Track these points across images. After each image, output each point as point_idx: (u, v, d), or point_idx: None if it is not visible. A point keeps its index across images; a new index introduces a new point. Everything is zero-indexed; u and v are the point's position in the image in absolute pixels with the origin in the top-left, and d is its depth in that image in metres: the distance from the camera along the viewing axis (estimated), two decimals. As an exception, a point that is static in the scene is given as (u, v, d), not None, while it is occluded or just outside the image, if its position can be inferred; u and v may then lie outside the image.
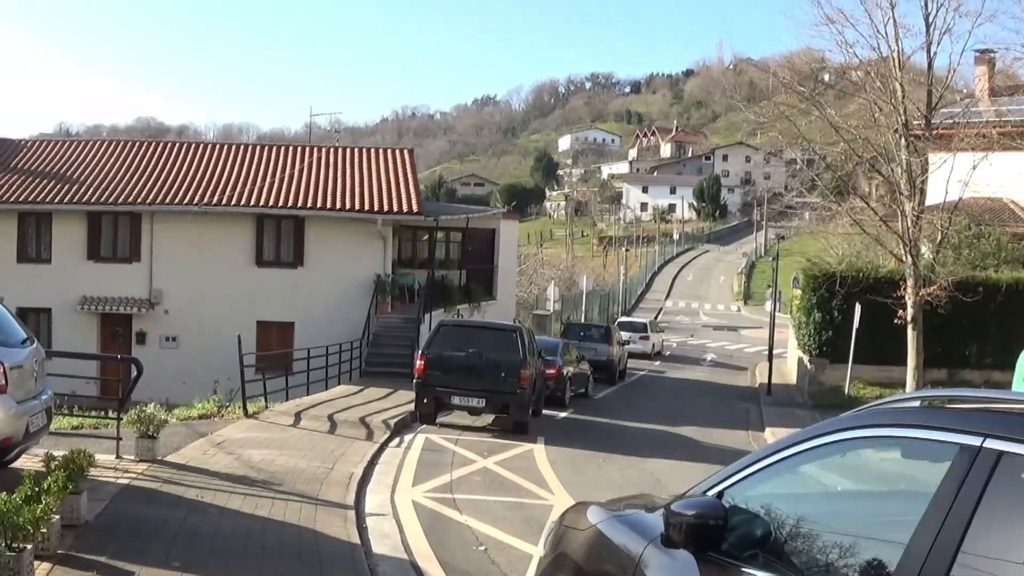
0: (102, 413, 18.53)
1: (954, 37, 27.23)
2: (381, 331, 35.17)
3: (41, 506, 8.43)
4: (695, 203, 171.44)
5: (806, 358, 37.44)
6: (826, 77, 33.15)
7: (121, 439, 14.81)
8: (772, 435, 27.02)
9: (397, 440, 20.74)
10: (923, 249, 28.12)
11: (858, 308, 32.85)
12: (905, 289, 28.11)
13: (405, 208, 36.97)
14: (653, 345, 57.77)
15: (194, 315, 37.16)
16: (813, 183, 31.42)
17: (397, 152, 42.62)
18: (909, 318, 27.90)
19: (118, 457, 14.64)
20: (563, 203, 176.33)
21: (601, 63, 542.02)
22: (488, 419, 24.73)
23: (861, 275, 33.05)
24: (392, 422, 22.30)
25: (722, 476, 5.27)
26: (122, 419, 14.81)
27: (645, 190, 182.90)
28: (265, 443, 17.91)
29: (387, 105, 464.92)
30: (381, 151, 42.94)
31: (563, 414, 29.00)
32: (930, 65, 27.57)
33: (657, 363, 54.92)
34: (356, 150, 43.19)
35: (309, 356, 28.19)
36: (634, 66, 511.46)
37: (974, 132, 26.86)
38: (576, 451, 21.47)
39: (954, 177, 26.74)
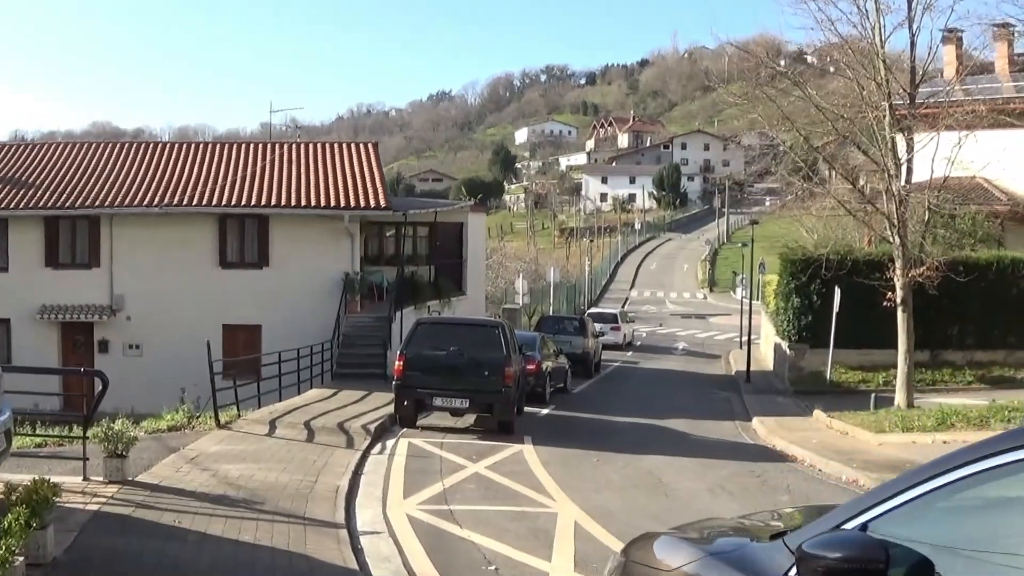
0: (67, 429, 17.28)
1: (935, 14, 26.47)
2: (351, 331, 34.01)
3: (2, 550, 7.29)
4: (655, 192, 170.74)
5: (784, 344, 36.81)
6: (782, 63, 32.01)
7: (88, 459, 13.63)
8: (761, 424, 26.53)
9: (379, 446, 19.66)
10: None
11: (837, 292, 32.29)
12: (893, 271, 27.22)
13: (372, 203, 35.77)
14: (624, 336, 57.23)
15: (157, 321, 35.82)
16: (796, 166, 30.34)
17: (360, 146, 41.37)
18: (899, 300, 27.11)
19: (86, 479, 13.47)
20: (522, 196, 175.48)
21: (556, 55, 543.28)
22: (470, 419, 23.69)
23: (847, 258, 32.25)
24: (372, 427, 21.21)
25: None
26: (88, 437, 13.61)
27: (604, 181, 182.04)
28: (241, 456, 16.75)
29: (342, 103, 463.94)
30: (343, 145, 41.66)
31: (545, 411, 28.15)
32: (912, 42, 26.69)
33: (630, 354, 54.36)
34: (318, 145, 41.89)
35: (280, 360, 26.97)
36: (589, 57, 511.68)
37: (965, 109, 26.03)
38: (567, 450, 20.49)
39: (939, 155, 26.00)
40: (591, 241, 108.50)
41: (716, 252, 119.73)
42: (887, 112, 26.24)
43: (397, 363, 22.37)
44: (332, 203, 35.70)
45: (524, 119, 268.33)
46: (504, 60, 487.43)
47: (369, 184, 37.09)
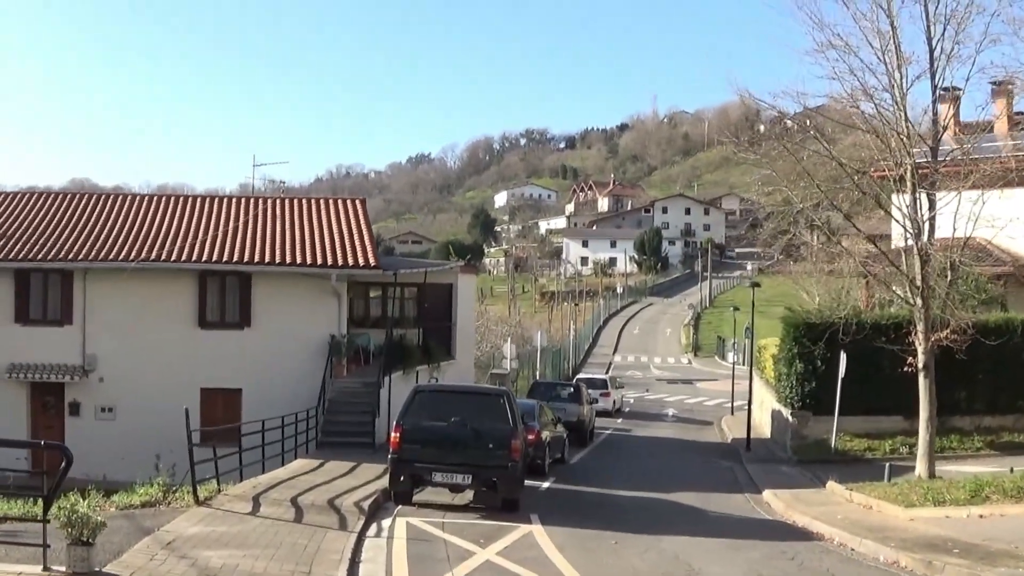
0: (30, 501, 15.36)
1: (957, 63, 25.06)
2: (338, 397, 32.21)
3: None
4: (636, 256, 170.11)
5: (786, 411, 35.50)
6: (761, 128, 30.77)
7: (49, 546, 11.76)
8: (775, 498, 25.14)
9: (374, 527, 17.85)
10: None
11: (843, 357, 31.12)
12: (914, 334, 25.71)
13: (361, 262, 34.04)
14: (614, 402, 55.86)
15: (132, 383, 33.92)
16: (812, 224, 28.87)
17: (348, 203, 39.68)
18: (920, 365, 25.61)
19: (46, 569, 11.65)
20: (502, 259, 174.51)
21: (535, 119, 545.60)
22: (469, 495, 21.81)
23: (852, 322, 30.80)
24: (365, 504, 19.39)
25: None
26: (49, 521, 11.74)
27: (585, 244, 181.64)
28: (224, 540, 14.86)
29: (322, 165, 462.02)
30: (331, 201, 39.97)
31: (545, 484, 26.47)
32: (935, 93, 25.33)
33: (619, 420, 52.98)
34: (304, 201, 40.17)
35: (264, 429, 25.10)
36: (568, 121, 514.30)
37: (993, 167, 24.60)
38: (580, 531, 18.72)
39: (960, 213, 24.66)
40: (576, 305, 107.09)
41: (699, 316, 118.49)
42: (909, 167, 24.82)
43: (393, 434, 20.50)
44: (319, 261, 33.95)
45: (504, 182, 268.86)
46: (484, 123, 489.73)
47: (357, 242, 35.41)
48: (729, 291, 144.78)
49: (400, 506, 20.33)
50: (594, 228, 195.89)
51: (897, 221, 25.53)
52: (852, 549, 18.01)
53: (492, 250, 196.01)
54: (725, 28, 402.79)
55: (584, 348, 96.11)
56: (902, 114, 25.06)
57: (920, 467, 25.66)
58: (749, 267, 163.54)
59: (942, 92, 25.62)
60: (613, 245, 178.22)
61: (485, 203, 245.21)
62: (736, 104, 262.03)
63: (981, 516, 19.74)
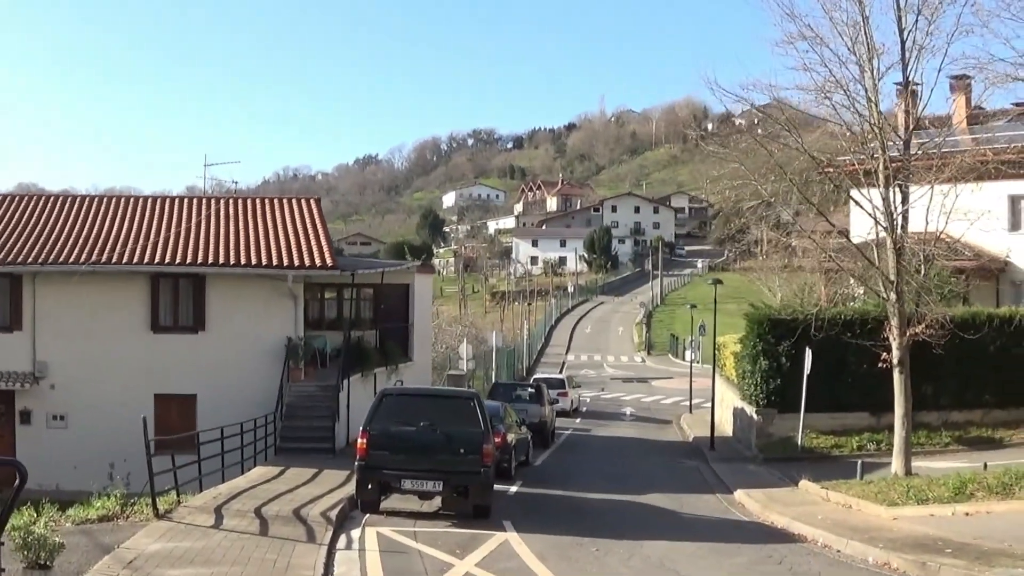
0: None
1: (927, 54, 24.58)
2: (296, 401, 31.27)
3: None
4: (586, 255, 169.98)
5: (750, 409, 35.17)
6: (709, 126, 30.32)
7: (3, 570, 10.79)
8: (748, 498, 24.66)
9: (344, 539, 16.99)
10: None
11: (808, 354, 30.77)
12: (889, 329, 25.19)
13: (318, 262, 33.06)
14: (572, 402, 55.50)
15: (84, 390, 32.74)
16: (776, 220, 28.41)
17: (303, 202, 38.55)
18: (895, 361, 25.15)
19: (-2, 594, 10.65)
20: (452, 260, 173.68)
21: (483, 119, 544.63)
22: (438, 501, 20.95)
23: (841, 317, 30.30)
24: (332, 514, 18.51)
25: None
26: (2, 544, 10.78)
27: (535, 244, 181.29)
28: (187, 557, 13.94)
29: (268, 167, 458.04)
30: (286, 201, 38.83)
31: (514, 488, 25.78)
32: (906, 85, 24.88)
33: (578, 420, 52.59)
34: (258, 200, 39.04)
35: (223, 436, 24.12)
36: (515, 122, 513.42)
37: (970, 158, 24.17)
38: (558, 538, 17.97)
39: (933, 206, 24.23)
40: (529, 304, 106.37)
41: (651, 315, 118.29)
42: (882, 160, 24.33)
43: (360, 440, 19.59)
44: (274, 262, 32.95)
45: (451, 183, 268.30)
46: (431, 124, 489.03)
47: (313, 242, 34.44)
48: (680, 288, 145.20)
49: (368, 515, 19.51)
50: (543, 228, 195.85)
51: (869, 214, 24.87)
52: (838, 551, 17.44)
53: (441, 251, 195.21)
54: (674, 26, 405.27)
55: (537, 348, 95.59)
56: (874, 106, 24.62)
57: (896, 464, 25.29)
58: (699, 265, 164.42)
59: (915, 85, 25.20)
60: (563, 244, 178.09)
61: (433, 204, 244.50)
62: (683, 103, 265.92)
63: (967, 514, 19.29)
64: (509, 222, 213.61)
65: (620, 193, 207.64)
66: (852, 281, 39.20)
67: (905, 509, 20.42)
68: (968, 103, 30.27)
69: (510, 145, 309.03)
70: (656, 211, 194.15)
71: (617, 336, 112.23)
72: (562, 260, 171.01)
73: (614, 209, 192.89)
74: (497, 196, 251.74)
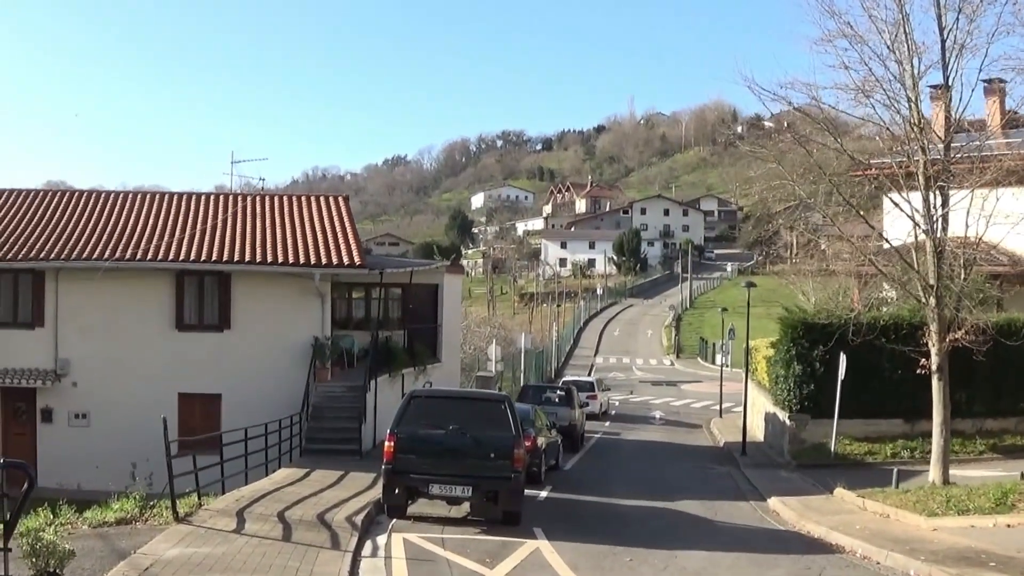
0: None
1: (967, 53, 23.89)
2: (322, 402, 30.79)
3: None
4: (615, 257, 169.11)
5: (783, 414, 34.48)
6: (739, 129, 29.73)
7: (10, 577, 10.33)
8: (783, 506, 24.09)
9: (369, 545, 16.47)
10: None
11: (843, 359, 30.13)
12: (928, 335, 24.52)
13: (346, 261, 32.57)
14: (601, 405, 54.76)
15: (107, 388, 32.37)
16: (807, 224, 27.79)
17: (331, 200, 38.16)
18: (934, 367, 24.52)
19: (6, 603, 10.18)
20: (480, 261, 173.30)
21: (512, 121, 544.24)
22: (466, 506, 20.40)
23: (880, 322, 29.65)
24: (357, 519, 17.97)
25: None
26: (11, 550, 10.32)
27: (564, 246, 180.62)
28: (207, 564, 13.41)
29: (297, 167, 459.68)
30: (313, 199, 38.44)
31: (543, 493, 25.14)
32: (947, 84, 24.13)
33: (607, 424, 51.83)
34: (285, 198, 38.64)
35: (247, 437, 23.64)
36: (545, 123, 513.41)
37: (1013, 161, 23.48)
38: (590, 547, 17.38)
39: (973, 209, 23.58)
40: (558, 306, 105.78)
41: (680, 318, 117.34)
42: (922, 162, 23.66)
43: (387, 443, 19.02)
44: (301, 260, 32.49)
45: (480, 184, 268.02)
46: (460, 125, 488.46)
47: (341, 240, 33.96)
48: (710, 292, 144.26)
49: (394, 520, 18.96)
50: (572, 229, 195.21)
51: (908, 217, 24.25)
52: (878, 563, 16.84)
53: (469, 252, 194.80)
54: (703, 28, 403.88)
55: (565, 350, 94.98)
56: (914, 105, 23.96)
57: (934, 473, 24.65)
58: (729, 268, 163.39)
59: (986, 84, 24.62)
60: (592, 246, 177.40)
61: (462, 205, 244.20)
62: (712, 106, 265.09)
63: (1009, 526, 18.69)
64: (538, 224, 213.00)
65: (649, 195, 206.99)
66: (885, 285, 38.57)
67: (945, 520, 19.87)
68: (1003, 107, 29.62)
69: (539, 147, 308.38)
70: (685, 214, 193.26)
71: (646, 339, 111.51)
72: (591, 262, 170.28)
73: (643, 211, 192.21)
74: (526, 197, 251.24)
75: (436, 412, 19.53)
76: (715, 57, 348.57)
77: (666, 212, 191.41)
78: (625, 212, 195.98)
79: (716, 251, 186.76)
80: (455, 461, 18.73)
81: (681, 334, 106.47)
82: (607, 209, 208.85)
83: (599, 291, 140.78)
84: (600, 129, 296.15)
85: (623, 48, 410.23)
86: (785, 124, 32.62)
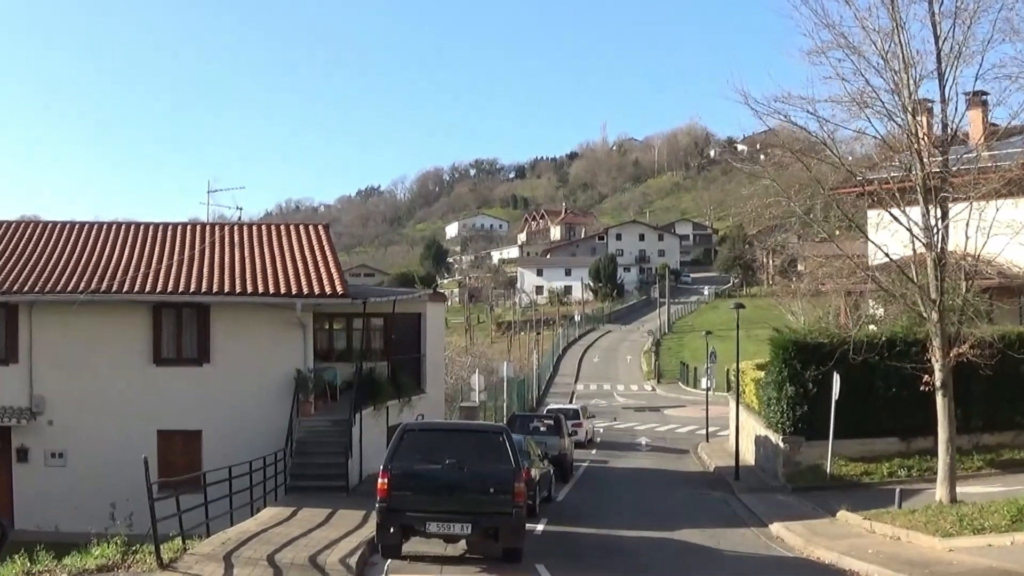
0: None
1: (962, 63, 23.39)
2: (306, 437, 29.82)
3: None
4: (591, 284, 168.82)
5: (776, 437, 34.04)
6: (712, 153, 29.36)
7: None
8: (787, 531, 23.57)
9: (366, 589, 15.54)
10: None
11: (837, 379, 29.51)
12: (931, 350, 23.95)
13: (328, 290, 31.66)
14: (587, 432, 53.94)
15: (83, 426, 31.25)
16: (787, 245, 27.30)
17: (311, 228, 37.24)
18: (938, 383, 24.01)
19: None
20: (456, 290, 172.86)
21: (485, 149, 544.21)
22: (462, 543, 19.47)
23: (877, 340, 29.09)
24: (351, 561, 17.13)
25: None
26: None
27: (540, 273, 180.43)
28: (196, 615, 12.50)
29: (271, 199, 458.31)
30: (293, 227, 37.45)
31: (540, 527, 24.32)
32: (943, 95, 23.59)
33: (594, 452, 51.14)
34: (264, 227, 37.67)
35: (231, 476, 22.69)
36: (518, 151, 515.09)
37: (1016, 172, 22.93)
38: (597, 584, 16.53)
39: (973, 222, 23.28)
40: (538, 334, 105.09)
41: (659, 342, 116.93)
42: (921, 174, 23.10)
43: (381, 480, 18.04)
44: (282, 290, 31.55)
45: (454, 213, 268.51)
46: (433, 155, 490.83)
47: (323, 269, 33.06)
48: (687, 316, 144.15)
49: (390, 560, 18.09)
50: (548, 257, 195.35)
51: (907, 229, 23.69)
52: (899, 588, 16.17)
53: (445, 281, 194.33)
54: (674, 55, 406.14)
55: (546, 378, 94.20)
56: (911, 117, 23.40)
57: (940, 491, 24.14)
58: (706, 291, 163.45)
59: (968, 97, 24.12)
60: (568, 273, 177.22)
61: (436, 234, 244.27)
62: (685, 130, 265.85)
63: (1027, 543, 18.16)
64: (513, 252, 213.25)
65: (624, 221, 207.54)
66: (872, 302, 38.03)
67: (960, 540, 19.39)
68: (985, 119, 29.26)
69: (512, 175, 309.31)
70: (661, 238, 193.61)
71: (626, 365, 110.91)
72: (567, 289, 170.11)
73: (619, 237, 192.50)
74: (500, 226, 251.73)
75: (431, 446, 18.65)
76: (686, 83, 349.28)
77: (641, 237, 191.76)
78: (600, 238, 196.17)
79: (692, 275, 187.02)
80: (453, 497, 17.84)
81: (661, 359, 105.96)
82: (582, 236, 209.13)
83: (576, 318, 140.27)
84: (573, 156, 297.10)
85: (595, 75, 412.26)
86: (757, 146, 32.17)
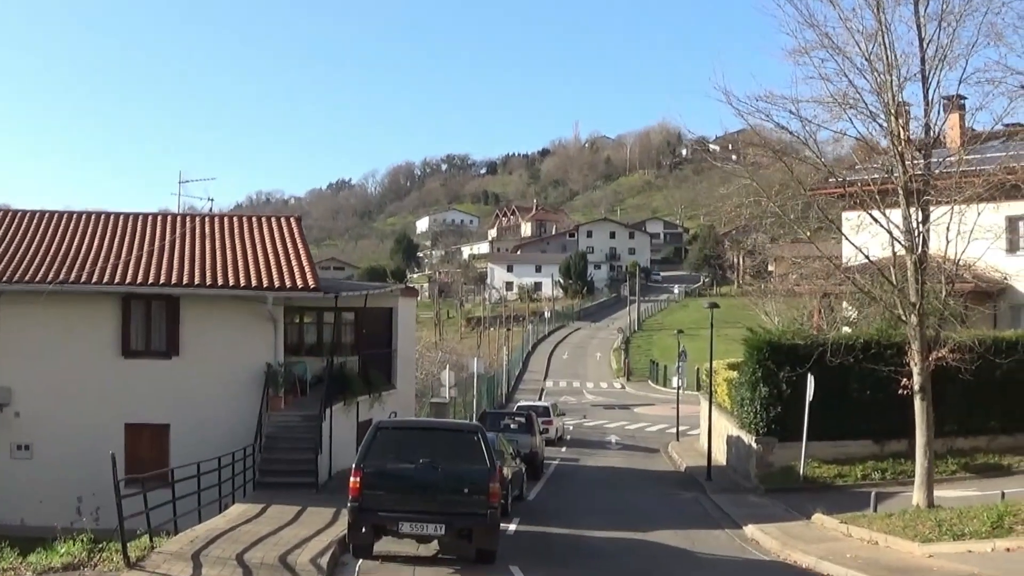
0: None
1: (945, 66, 23.26)
2: (276, 432, 29.31)
3: None
4: (562, 281, 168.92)
5: (748, 437, 33.93)
6: (684, 152, 29.25)
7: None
8: (762, 534, 23.42)
9: (338, 590, 15.15)
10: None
11: (811, 380, 29.45)
12: (910, 354, 23.85)
13: (299, 283, 31.16)
14: (557, 430, 53.83)
15: (50, 418, 30.55)
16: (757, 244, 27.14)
17: (283, 220, 36.77)
18: (916, 387, 23.95)
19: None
20: (426, 285, 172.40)
21: (456, 145, 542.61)
22: (435, 543, 19.08)
23: (857, 341, 28.96)
24: (322, 561, 16.70)
25: None
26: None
27: (510, 269, 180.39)
28: (164, 617, 12.09)
29: (241, 191, 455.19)
30: (264, 219, 36.91)
31: (512, 527, 24.00)
32: (927, 98, 23.43)
33: (564, 450, 50.95)
34: (236, 219, 37.07)
35: (200, 473, 22.24)
36: (489, 147, 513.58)
37: (998, 176, 22.80)
38: (573, 586, 16.22)
39: (953, 226, 23.16)
40: (508, 330, 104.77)
41: (628, 340, 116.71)
42: (902, 176, 22.96)
43: (353, 479, 17.64)
44: (253, 283, 31.00)
45: (425, 208, 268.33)
46: (404, 149, 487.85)
47: (295, 262, 32.56)
48: (657, 314, 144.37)
49: (361, 560, 17.70)
50: (518, 253, 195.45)
51: (889, 233, 23.53)
52: (884, 595, 15.98)
53: (415, 276, 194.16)
54: (647, 53, 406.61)
55: (515, 374, 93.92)
56: (894, 119, 23.22)
57: (918, 496, 24.05)
58: (676, 290, 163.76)
59: (945, 100, 23.94)
60: (538, 270, 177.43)
61: (407, 229, 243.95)
62: (657, 129, 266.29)
63: (1008, 549, 18.14)
64: (483, 247, 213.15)
65: (595, 219, 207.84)
66: (845, 304, 37.95)
67: (940, 545, 19.28)
68: (963, 124, 29.17)
69: (484, 171, 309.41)
70: (631, 236, 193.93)
71: (595, 362, 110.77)
72: (537, 286, 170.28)
73: (589, 235, 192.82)
74: (471, 221, 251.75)
75: (405, 444, 18.28)
76: (659, 82, 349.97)
77: (612, 235, 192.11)
78: (571, 235, 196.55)
79: (663, 273, 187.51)
80: (426, 497, 17.49)
81: (631, 357, 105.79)
82: (553, 232, 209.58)
83: (546, 314, 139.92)
84: (545, 153, 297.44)
85: (568, 72, 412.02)
86: (730, 146, 31.97)
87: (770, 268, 39.36)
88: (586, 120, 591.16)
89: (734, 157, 28.78)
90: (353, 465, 18.00)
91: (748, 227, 25.29)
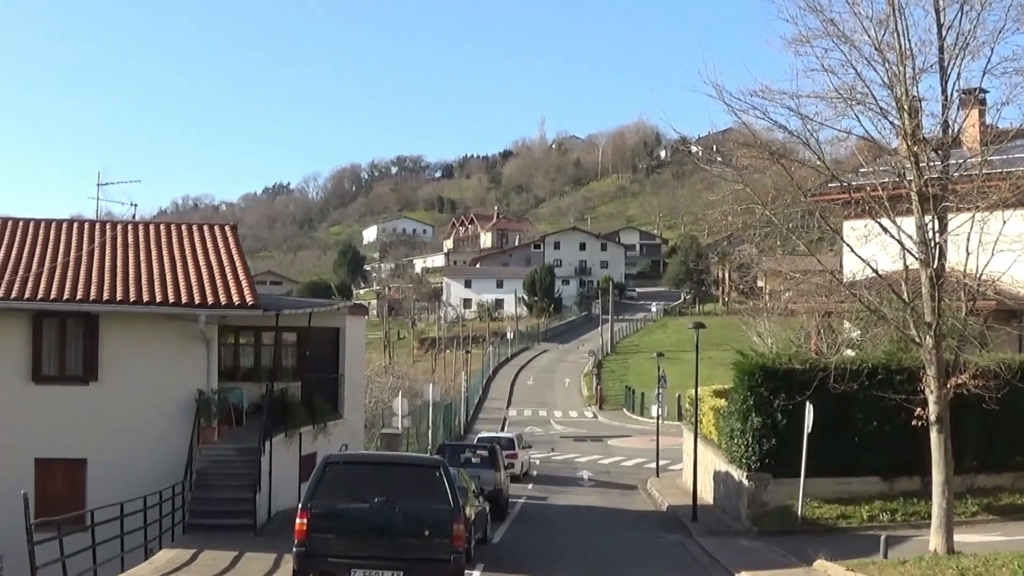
0: None
1: (967, 56, 23.15)
2: (208, 467, 29.32)
3: None
4: (526, 297, 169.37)
5: (739, 473, 33.80)
6: (663, 154, 29.23)
7: None
8: None
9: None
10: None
11: (810, 409, 29.33)
12: (925, 381, 23.76)
13: (236, 300, 31.00)
14: (523, 464, 53.77)
15: (-50, 452, 30.42)
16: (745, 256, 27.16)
17: (217, 228, 36.54)
18: (932, 418, 23.58)
19: None
20: (374, 302, 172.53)
21: (408, 145, 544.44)
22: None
23: (864, 366, 28.96)
24: (265, 616, 16.44)
25: None
26: None
27: (468, 285, 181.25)
28: None
29: (165, 196, 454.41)
30: (196, 228, 36.62)
31: (476, 574, 23.81)
32: (945, 92, 23.33)
33: (530, 486, 50.90)
34: (162, 226, 36.78)
35: (122, 514, 21.99)
36: (445, 148, 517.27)
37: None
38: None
39: (974, 234, 22.95)
40: (466, 353, 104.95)
41: (600, 364, 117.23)
42: (916, 181, 22.86)
43: (299, 520, 17.58)
44: (183, 299, 30.91)
45: (373, 216, 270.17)
46: (350, 151, 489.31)
47: (230, 276, 32.40)
48: (633, 335, 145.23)
49: (309, 614, 17.48)
50: (477, 266, 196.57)
51: (901, 244, 23.43)
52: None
53: (362, 291, 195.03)
54: (620, 46, 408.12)
55: (474, 402, 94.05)
56: (907, 116, 23.11)
57: (935, 541, 23.70)
58: (654, 308, 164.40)
59: (963, 95, 23.85)
60: (500, 285, 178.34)
61: (352, 239, 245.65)
62: (633, 128, 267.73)
63: (1039, 606, 17.85)
64: (438, 260, 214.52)
65: (563, 228, 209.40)
66: (847, 324, 37.99)
67: (964, 598, 19.01)
68: (983, 120, 29.25)
69: (439, 174, 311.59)
70: (604, 248, 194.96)
71: (564, 388, 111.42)
72: (499, 303, 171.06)
73: (557, 246, 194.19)
74: (424, 231, 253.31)
75: (357, 481, 18.25)
76: (634, 77, 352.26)
77: (582, 246, 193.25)
78: (536, 247, 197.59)
79: (638, 289, 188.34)
80: (382, 540, 17.53)
81: (603, 383, 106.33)
82: (516, 244, 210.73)
83: (509, 335, 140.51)
84: (507, 155, 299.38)
85: (533, 65, 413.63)
86: (714, 147, 31.94)
87: (759, 283, 39.33)
88: (553, 118, 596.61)
89: (719, 159, 28.68)
90: (299, 505, 17.96)
91: (735, 238, 25.33)
